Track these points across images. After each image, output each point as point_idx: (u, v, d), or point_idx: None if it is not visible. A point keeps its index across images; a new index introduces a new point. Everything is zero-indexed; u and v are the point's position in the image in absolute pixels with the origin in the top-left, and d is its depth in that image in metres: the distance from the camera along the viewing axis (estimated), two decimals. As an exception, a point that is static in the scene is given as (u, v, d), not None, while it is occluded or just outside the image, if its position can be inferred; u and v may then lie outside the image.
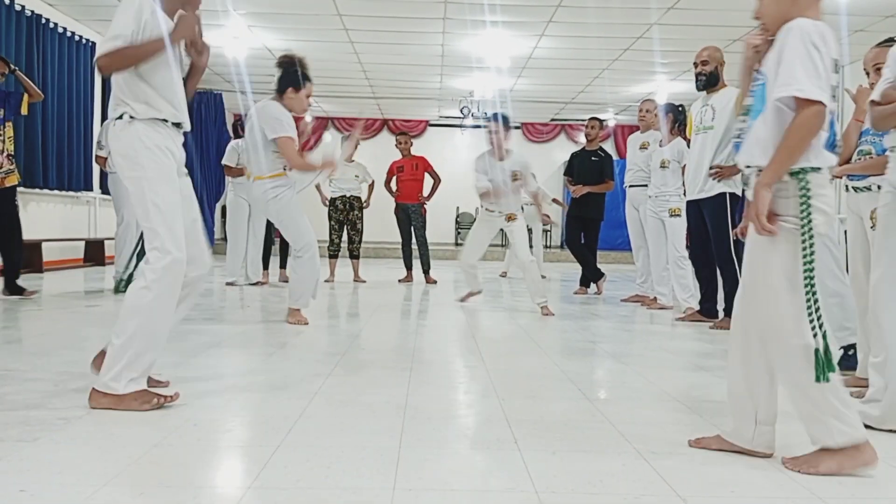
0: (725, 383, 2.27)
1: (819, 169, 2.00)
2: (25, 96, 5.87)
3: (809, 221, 1.97)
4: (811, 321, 1.99)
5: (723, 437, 2.21)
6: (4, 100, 5.74)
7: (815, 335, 1.99)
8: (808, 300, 1.99)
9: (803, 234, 1.97)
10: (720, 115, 4.91)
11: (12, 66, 5.80)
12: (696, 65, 5.10)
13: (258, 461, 2.00)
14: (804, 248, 1.98)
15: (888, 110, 2.53)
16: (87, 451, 2.06)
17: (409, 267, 8.23)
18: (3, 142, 5.65)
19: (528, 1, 8.39)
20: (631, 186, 6.65)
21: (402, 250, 8.33)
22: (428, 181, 8.26)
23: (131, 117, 2.55)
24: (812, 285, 1.98)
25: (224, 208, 10.13)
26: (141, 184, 2.53)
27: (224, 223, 10.62)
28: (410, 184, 8.17)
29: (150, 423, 2.35)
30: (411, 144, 8.43)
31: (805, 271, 1.98)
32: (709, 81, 5.04)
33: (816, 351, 1.98)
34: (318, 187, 7.86)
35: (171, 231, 2.53)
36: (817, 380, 1.97)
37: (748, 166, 2.11)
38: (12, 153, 5.73)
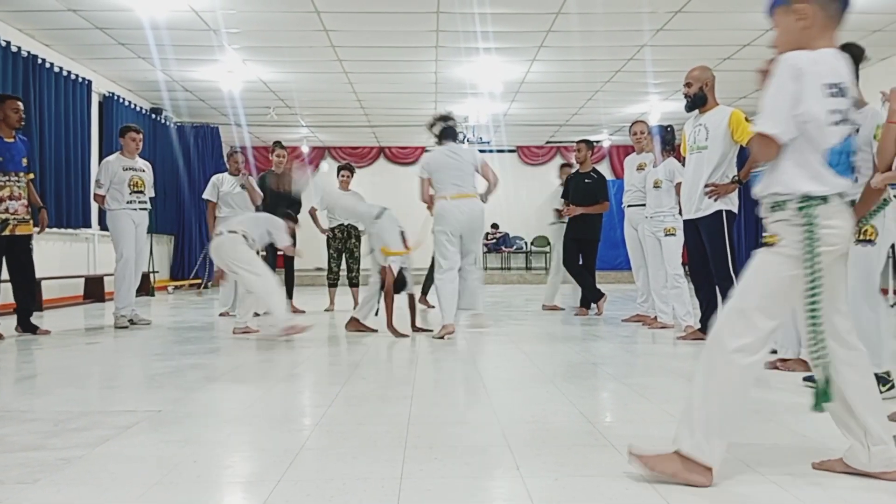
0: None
1: (825, 198, 1.98)
2: None
3: (812, 251, 1.97)
4: (813, 353, 2.01)
5: (844, 460, 2.14)
6: (28, 150, 5.79)
7: (815, 366, 2.01)
8: (812, 331, 2.00)
9: (806, 265, 1.97)
10: (714, 135, 4.93)
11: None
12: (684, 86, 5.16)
13: (259, 497, 1.98)
14: (808, 279, 1.97)
15: None
16: (87, 492, 2.04)
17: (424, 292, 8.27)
18: (22, 189, 5.68)
19: (519, 27, 8.48)
20: (629, 206, 6.69)
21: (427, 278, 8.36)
22: None
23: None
24: (815, 317, 1.98)
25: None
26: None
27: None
28: None
29: (151, 461, 2.33)
30: None
31: (809, 302, 1.98)
32: (694, 103, 5.07)
33: (816, 382, 2.02)
34: (315, 217, 7.89)
35: None
36: (813, 409, 2.04)
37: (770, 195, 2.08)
38: (27, 203, 5.74)
